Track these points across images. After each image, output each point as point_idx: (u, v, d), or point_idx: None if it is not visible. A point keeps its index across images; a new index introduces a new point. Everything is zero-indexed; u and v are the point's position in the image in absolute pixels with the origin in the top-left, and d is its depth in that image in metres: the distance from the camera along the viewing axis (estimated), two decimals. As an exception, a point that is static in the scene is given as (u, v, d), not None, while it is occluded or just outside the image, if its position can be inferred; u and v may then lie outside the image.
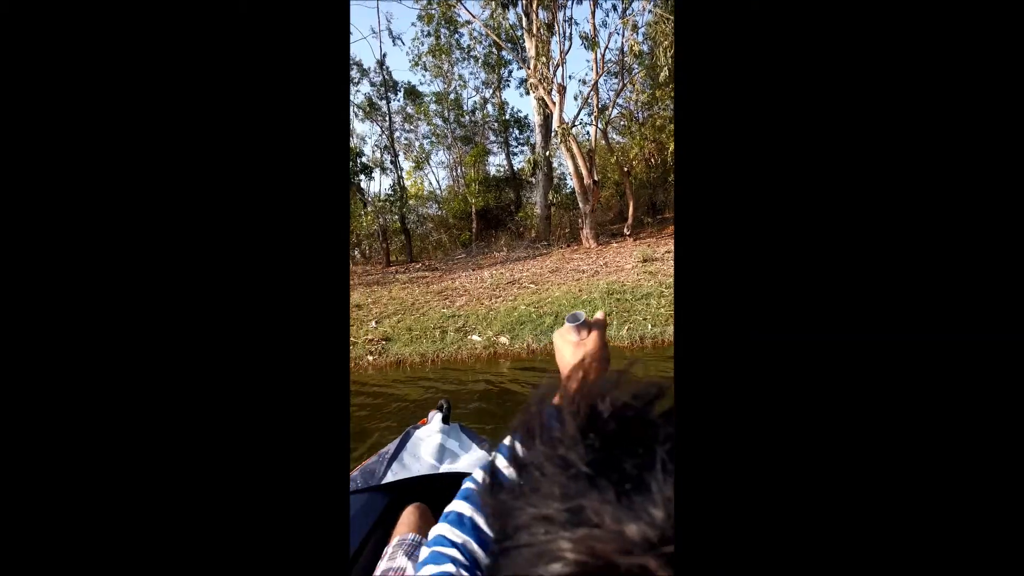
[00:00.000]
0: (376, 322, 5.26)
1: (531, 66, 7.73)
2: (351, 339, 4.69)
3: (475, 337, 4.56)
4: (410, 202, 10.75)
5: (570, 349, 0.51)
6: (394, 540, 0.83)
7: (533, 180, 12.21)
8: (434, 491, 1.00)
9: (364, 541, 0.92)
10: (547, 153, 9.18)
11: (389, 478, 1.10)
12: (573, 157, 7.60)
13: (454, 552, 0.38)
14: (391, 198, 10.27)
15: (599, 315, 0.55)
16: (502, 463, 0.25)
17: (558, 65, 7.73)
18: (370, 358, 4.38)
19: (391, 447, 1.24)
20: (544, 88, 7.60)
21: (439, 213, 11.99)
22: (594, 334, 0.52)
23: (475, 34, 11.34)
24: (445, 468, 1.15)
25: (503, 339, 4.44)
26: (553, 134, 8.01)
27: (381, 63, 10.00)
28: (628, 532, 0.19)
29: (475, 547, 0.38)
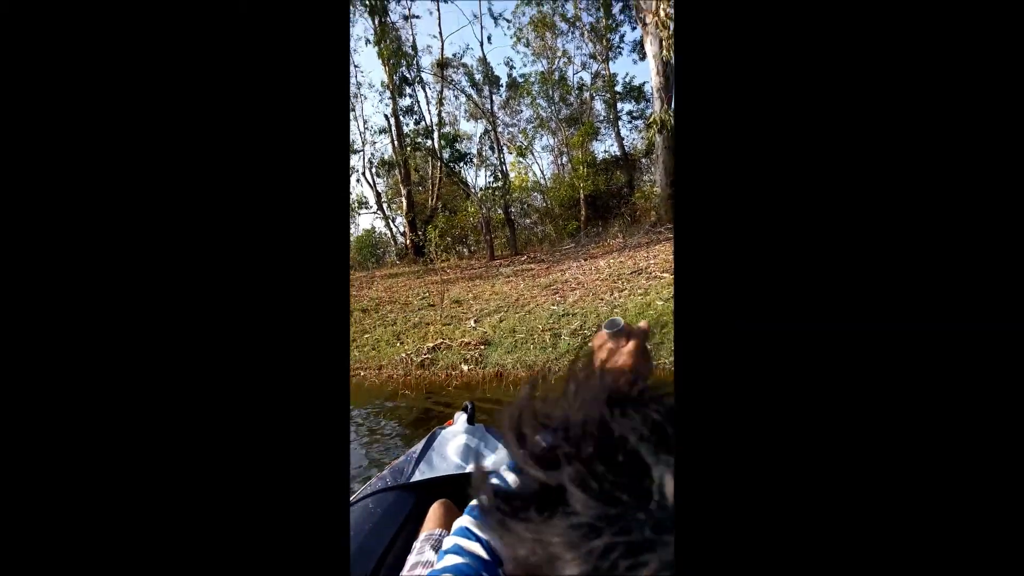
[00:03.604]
0: (475, 321, 4.44)
1: (653, 6, 6.36)
2: (446, 341, 3.92)
3: (597, 341, 3.45)
4: (513, 193, 10.03)
5: (605, 356, 0.51)
6: (422, 536, 0.89)
7: (646, 160, 10.82)
8: (460, 489, 1.03)
9: (394, 538, 0.95)
10: (672, 114, 7.69)
11: (416, 477, 1.13)
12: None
13: (476, 546, 0.40)
14: (493, 188, 9.66)
15: (642, 324, 0.55)
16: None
17: None
18: (465, 367, 3.54)
19: (418, 447, 1.27)
20: (669, 31, 6.18)
21: (544, 204, 11.20)
22: (632, 343, 0.51)
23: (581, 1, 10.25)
24: (471, 468, 1.15)
25: (637, 345, 3.26)
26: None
27: (483, 59, 9.42)
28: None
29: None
